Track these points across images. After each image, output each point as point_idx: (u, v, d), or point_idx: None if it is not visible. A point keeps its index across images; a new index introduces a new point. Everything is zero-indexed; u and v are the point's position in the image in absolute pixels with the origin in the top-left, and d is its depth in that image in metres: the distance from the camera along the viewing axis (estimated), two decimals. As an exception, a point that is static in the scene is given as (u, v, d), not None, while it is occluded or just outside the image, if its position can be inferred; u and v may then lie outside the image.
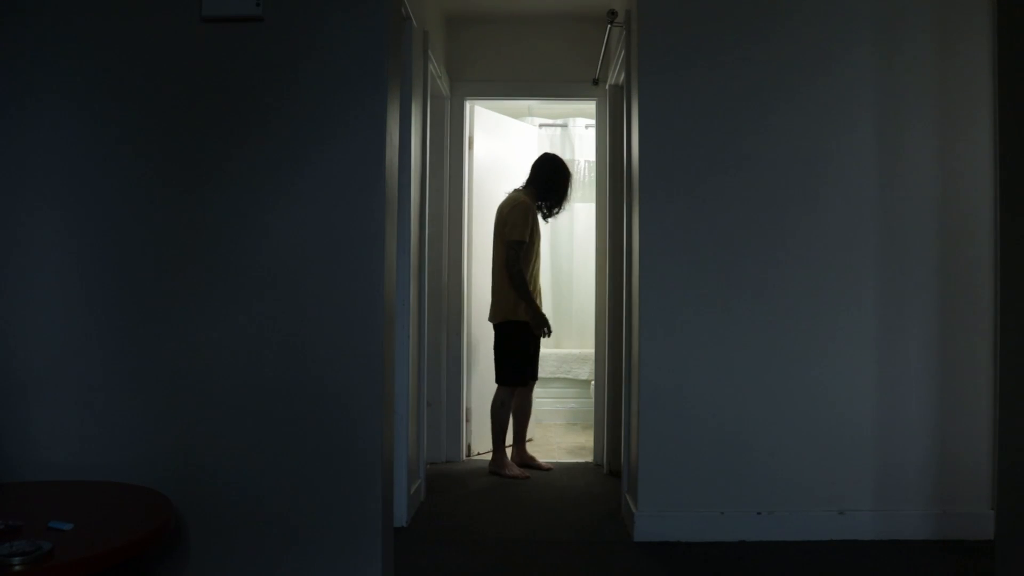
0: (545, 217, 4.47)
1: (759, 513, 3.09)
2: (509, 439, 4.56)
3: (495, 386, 4.98)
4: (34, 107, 2.29)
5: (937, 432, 3.12)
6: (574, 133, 6.67)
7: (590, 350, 5.41)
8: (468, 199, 4.73)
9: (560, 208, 4.48)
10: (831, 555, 2.94)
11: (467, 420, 4.73)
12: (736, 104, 3.12)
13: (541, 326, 4.31)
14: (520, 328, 4.31)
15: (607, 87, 4.40)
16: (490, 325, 4.63)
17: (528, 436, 5.24)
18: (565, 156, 6.71)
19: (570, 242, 6.62)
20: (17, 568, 1.54)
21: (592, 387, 5.02)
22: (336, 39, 2.28)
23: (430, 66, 3.87)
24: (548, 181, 4.41)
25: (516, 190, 4.43)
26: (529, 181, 4.45)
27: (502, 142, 5.04)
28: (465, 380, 4.71)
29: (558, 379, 6.10)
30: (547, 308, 6.51)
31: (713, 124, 3.13)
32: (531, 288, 4.28)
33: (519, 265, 4.22)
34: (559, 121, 6.69)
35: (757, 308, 3.11)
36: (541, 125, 6.64)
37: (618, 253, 4.06)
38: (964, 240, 3.13)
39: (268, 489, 2.27)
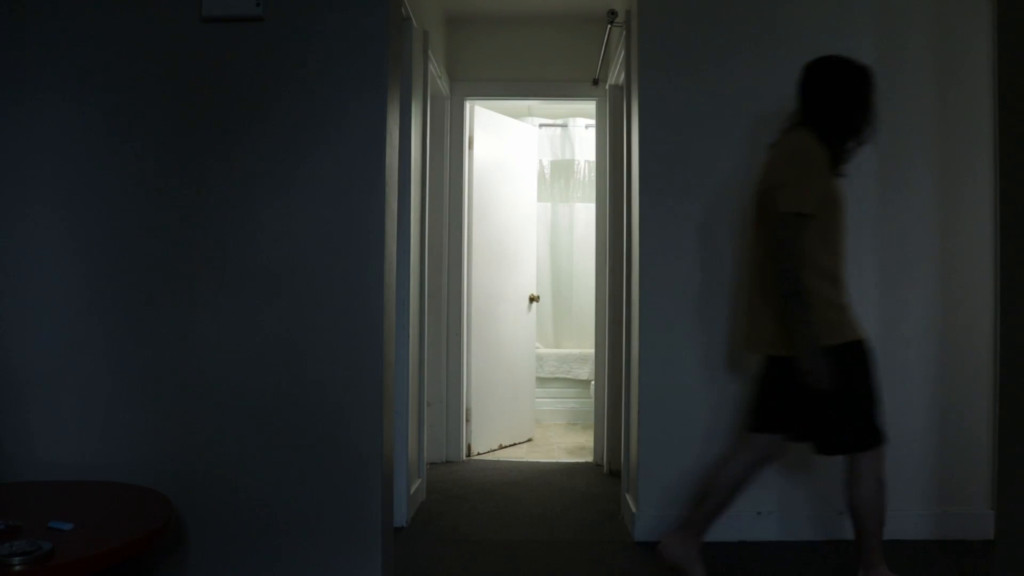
0: (838, 163, 2.48)
1: (759, 513, 3.09)
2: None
3: (498, 386, 4.99)
4: (34, 106, 2.29)
5: (937, 432, 3.12)
6: (574, 133, 6.68)
7: (590, 350, 5.41)
8: (468, 199, 4.73)
9: (860, 138, 2.48)
10: (831, 555, 2.94)
11: (467, 420, 4.73)
12: (736, 104, 3.12)
13: (815, 371, 2.31)
14: (848, 354, 2.38)
15: (607, 87, 4.40)
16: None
17: (528, 436, 5.26)
18: (565, 156, 6.72)
19: (570, 242, 6.62)
20: (17, 568, 1.54)
21: (592, 387, 5.02)
22: (336, 39, 2.28)
23: (430, 66, 3.87)
24: (836, 100, 2.46)
25: (791, 128, 2.52)
26: (806, 110, 2.51)
27: (502, 142, 5.04)
28: (465, 380, 4.71)
29: (558, 379, 6.10)
30: (546, 308, 6.61)
31: (713, 124, 3.13)
32: (831, 293, 2.38)
33: (794, 256, 2.33)
34: (559, 121, 6.70)
35: (757, 308, 3.11)
36: (541, 125, 6.65)
37: (618, 253, 4.06)
38: (964, 241, 3.13)
39: (268, 489, 2.27)
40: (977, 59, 3.13)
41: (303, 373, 2.27)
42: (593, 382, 4.88)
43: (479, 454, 4.83)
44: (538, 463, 4.64)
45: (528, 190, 5.26)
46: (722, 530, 3.07)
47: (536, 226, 5.46)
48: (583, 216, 6.52)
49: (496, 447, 4.97)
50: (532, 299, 5.26)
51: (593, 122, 5.01)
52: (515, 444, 5.13)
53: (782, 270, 2.33)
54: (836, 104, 2.45)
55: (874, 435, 2.42)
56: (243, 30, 2.28)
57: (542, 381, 5.97)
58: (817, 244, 2.37)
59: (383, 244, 2.28)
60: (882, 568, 2.45)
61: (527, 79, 4.73)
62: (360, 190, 2.27)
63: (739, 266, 3.11)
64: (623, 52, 3.68)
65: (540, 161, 6.57)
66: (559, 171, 6.74)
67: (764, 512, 3.09)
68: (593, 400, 4.87)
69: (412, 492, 3.41)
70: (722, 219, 3.12)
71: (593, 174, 5.80)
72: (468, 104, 4.74)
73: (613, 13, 3.73)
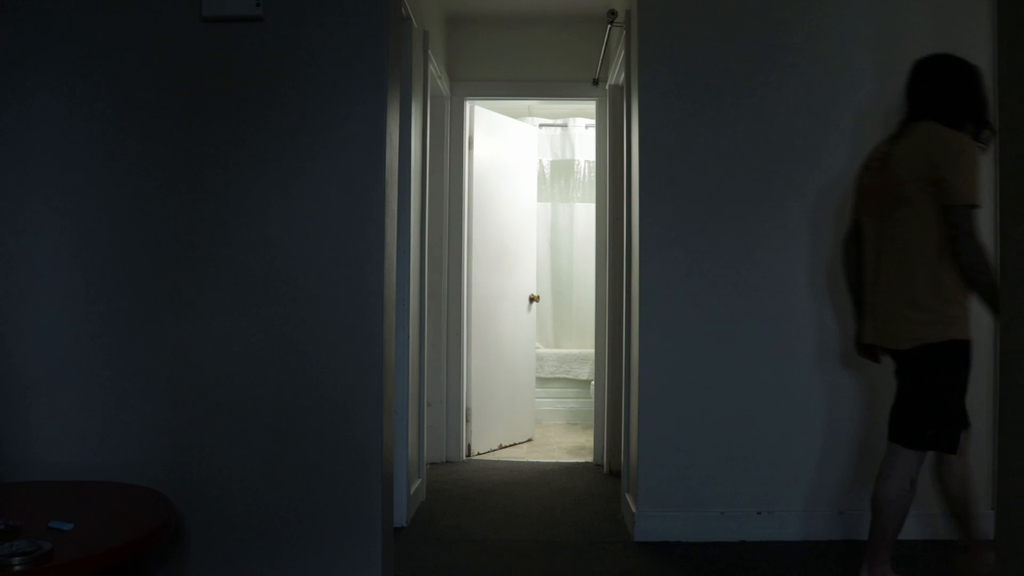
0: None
1: (759, 513, 3.09)
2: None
3: (498, 386, 4.99)
4: (34, 107, 2.29)
5: (937, 432, 3.11)
6: (574, 133, 6.68)
7: (590, 350, 5.41)
8: (468, 199, 4.73)
9: (991, 129, 2.45)
10: (831, 555, 2.94)
11: (467, 420, 4.74)
12: (735, 104, 3.12)
13: None
14: (957, 352, 2.37)
15: (607, 87, 4.40)
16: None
17: (528, 436, 5.26)
18: (565, 156, 6.72)
19: (570, 242, 6.62)
20: (17, 568, 1.54)
21: (592, 387, 5.02)
22: (336, 39, 2.28)
23: (430, 66, 3.87)
24: (962, 93, 2.47)
25: (928, 123, 2.43)
26: (926, 104, 2.48)
27: (502, 142, 5.04)
28: (465, 380, 4.71)
29: (558, 379, 6.10)
30: (546, 308, 6.61)
31: (713, 124, 3.13)
32: (957, 289, 2.36)
33: (981, 249, 2.27)
34: (559, 121, 6.70)
35: (756, 308, 3.11)
36: (541, 125, 6.65)
37: (618, 253, 4.06)
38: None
39: (268, 489, 2.27)
40: (977, 59, 3.12)
41: (303, 373, 2.27)
42: (593, 382, 4.88)
43: (479, 454, 4.83)
44: (538, 463, 4.64)
45: (528, 190, 5.26)
46: (722, 530, 3.07)
47: (536, 226, 5.46)
48: (583, 216, 6.52)
49: (496, 447, 4.98)
50: (532, 299, 5.26)
51: (593, 122, 5.01)
52: (515, 444, 5.13)
53: (971, 263, 2.26)
54: (965, 97, 2.45)
55: (953, 440, 2.39)
56: (243, 30, 2.28)
57: (542, 381, 5.97)
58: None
59: (383, 244, 2.28)
60: (886, 568, 2.45)
61: (527, 79, 4.73)
62: (360, 190, 2.27)
63: (736, 264, 3.11)
64: (623, 52, 3.68)
65: (540, 161, 6.57)
66: (559, 171, 6.74)
67: (764, 512, 3.09)
68: (593, 400, 4.87)
69: (412, 492, 3.41)
70: (722, 218, 3.12)
71: (593, 174, 5.80)
72: (468, 104, 4.74)
73: (613, 13, 3.73)
